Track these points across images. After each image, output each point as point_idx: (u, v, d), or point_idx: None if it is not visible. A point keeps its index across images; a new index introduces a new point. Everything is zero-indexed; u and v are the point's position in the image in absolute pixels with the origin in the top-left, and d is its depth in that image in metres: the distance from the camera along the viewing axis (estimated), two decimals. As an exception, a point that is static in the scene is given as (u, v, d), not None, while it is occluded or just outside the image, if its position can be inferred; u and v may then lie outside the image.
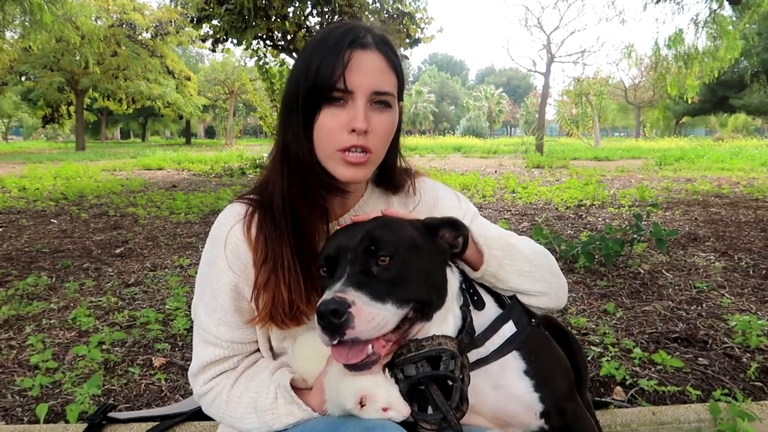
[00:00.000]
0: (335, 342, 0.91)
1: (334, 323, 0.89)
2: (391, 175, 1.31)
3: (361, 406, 0.98)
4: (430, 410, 1.02)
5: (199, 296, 1.23)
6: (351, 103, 1.08)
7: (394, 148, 1.26)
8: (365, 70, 1.08)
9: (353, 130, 1.08)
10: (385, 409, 0.98)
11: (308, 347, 1.15)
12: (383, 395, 0.99)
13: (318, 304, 0.91)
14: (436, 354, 1.00)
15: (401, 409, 0.99)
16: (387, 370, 1.02)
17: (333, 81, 1.06)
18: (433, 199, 1.38)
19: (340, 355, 0.94)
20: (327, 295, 0.92)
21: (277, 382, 1.12)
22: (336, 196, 1.23)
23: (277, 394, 1.10)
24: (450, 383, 1.01)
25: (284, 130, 1.17)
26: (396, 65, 1.14)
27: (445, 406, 0.98)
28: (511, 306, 1.18)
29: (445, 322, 1.06)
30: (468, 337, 1.08)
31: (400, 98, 1.20)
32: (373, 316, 0.91)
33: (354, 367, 0.95)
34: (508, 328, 1.14)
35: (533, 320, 1.20)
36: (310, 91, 1.08)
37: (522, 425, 1.15)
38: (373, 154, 1.14)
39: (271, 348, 1.24)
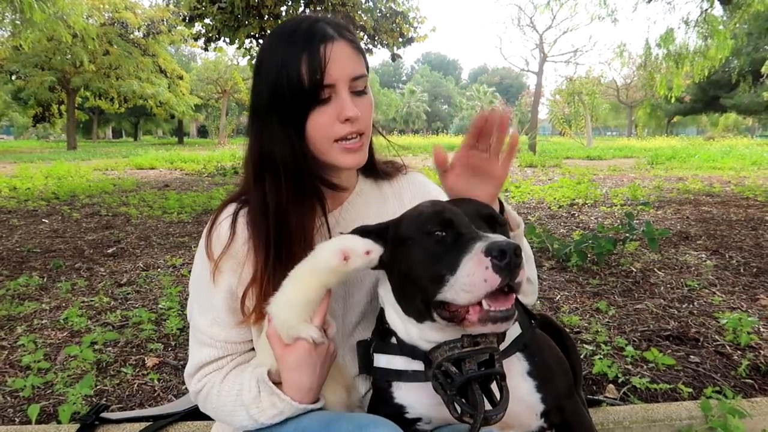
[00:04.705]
0: (501, 284, 0.89)
1: (516, 262, 0.88)
2: (373, 158, 1.33)
3: (346, 259, 1.00)
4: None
5: (194, 297, 1.23)
6: (335, 96, 1.10)
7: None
8: (339, 61, 1.09)
9: (346, 120, 1.10)
10: (367, 252, 1.02)
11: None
12: (358, 243, 1.02)
13: (495, 242, 0.89)
14: (489, 352, 0.98)
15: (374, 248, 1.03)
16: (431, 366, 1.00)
17: (317, 84, 1.07)
18: (424, 192, 1.43)
19: (491, 303, 0.92)
20: (500, 239, 0.90)
21: (257, 376, 1.12)
22: (327, 192, 1.23)
23: (260, 388, 1.10)
24: (498, 382, 0.98)
25: (260, 134, 1.15)
26: (360, 47, 1.16)
27: (481, 407, 0.93)
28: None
29: None
30: None
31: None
32: (523, 268, 0.92)
33: (501, 319, 0.92)
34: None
35: (532, 321, 1.20)
36: (297, 98, 1.08)
37: (522, 426, 1.14)
38: (365, 136, 1.18)
39: None
